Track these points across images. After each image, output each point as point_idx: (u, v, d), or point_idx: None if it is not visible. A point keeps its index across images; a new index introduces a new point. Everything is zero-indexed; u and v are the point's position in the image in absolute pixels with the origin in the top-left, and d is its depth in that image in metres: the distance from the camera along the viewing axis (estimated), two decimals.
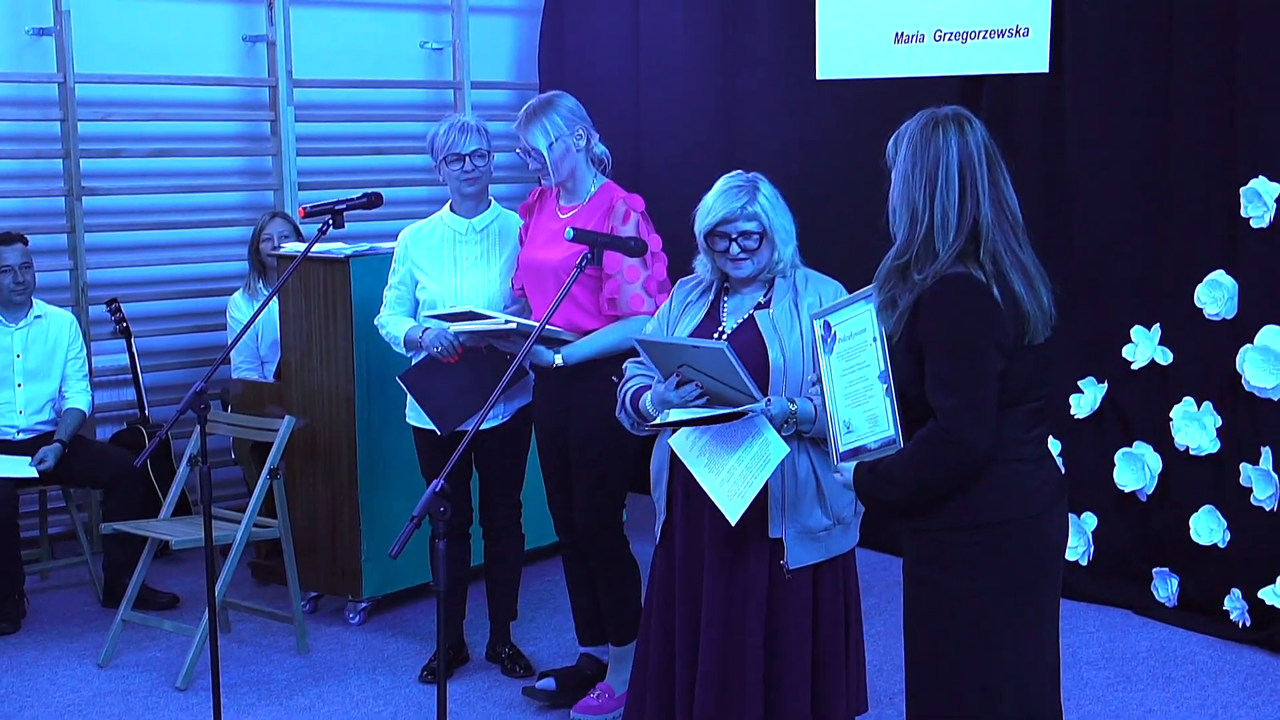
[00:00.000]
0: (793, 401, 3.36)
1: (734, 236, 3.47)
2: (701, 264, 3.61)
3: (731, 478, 3.33)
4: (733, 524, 3.35)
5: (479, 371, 4.43)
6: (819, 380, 2.97)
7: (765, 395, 3.35)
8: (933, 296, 2.75)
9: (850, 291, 3.10)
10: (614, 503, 4.31)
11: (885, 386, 2.80)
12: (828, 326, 2.96)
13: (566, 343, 4.17)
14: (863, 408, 2.85)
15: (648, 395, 3.50)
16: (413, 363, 4.57)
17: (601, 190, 4.27)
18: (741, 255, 3.48)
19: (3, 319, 5.40)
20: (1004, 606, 2.82)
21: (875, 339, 2.83)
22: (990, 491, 2.79)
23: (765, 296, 3.54)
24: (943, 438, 2.74)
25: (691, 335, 3.52)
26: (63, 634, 5.19)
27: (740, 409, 3.28)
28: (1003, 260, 2.77)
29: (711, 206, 3.49)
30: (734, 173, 3.56)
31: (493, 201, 4.66)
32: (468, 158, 4.50)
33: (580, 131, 4.21)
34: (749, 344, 3.46)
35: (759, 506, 3.42)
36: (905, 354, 2.79)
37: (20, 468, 5.22)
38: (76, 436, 5.40)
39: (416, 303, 4.62)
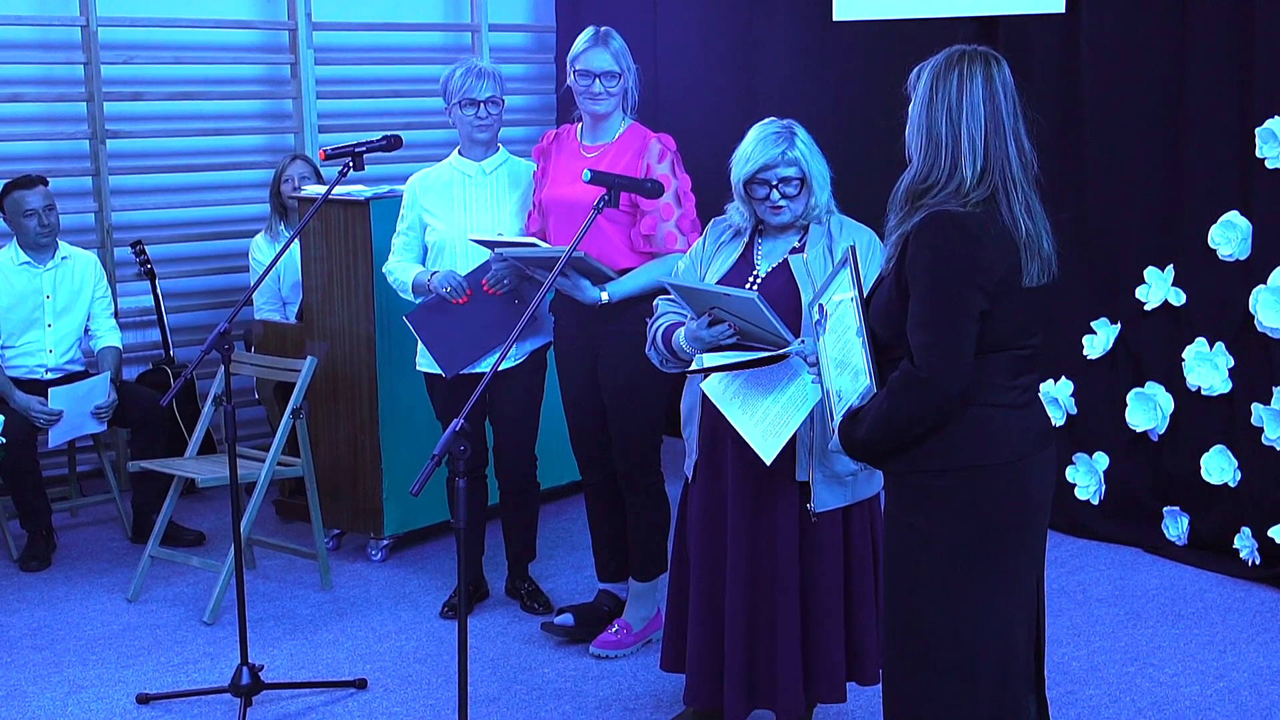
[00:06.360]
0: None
1: (774, 183, 3.43)
2: (736, 210, 3.56)
3: (767, 419, 3.31)
4: (767, 464, 3.34)
5: (486, 313, 4.44)
6: (817, 363, 2.97)
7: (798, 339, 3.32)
8: (919, 233, 2.68)
9: (883, 238, 3.09)
10: (654, 444, 4.35)
11: (862, 340, 2.76)
12: (821, 309, 2.94)
13: (610, 278, 4.14)
14: (848, 370, 2.82)
15: (680, 332, 3.47)
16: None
17: (630, 130, 4.28)
18: (781, 202, 3.45)
19: (32, 261, 5.47)
20: (978, 554, 2.73)
21: (854, 299, 2.80)
22: (965, 435, 2.71)
23: (800, 241, 3.51)
24: (914, 376, 2.66)
25: (725, 278, 3.50)
26: (92, 569, 5.29)
27: (779, 352, 3.24)
28: (1012, 195, 2.69)
29: (750, 154, 3.44)
30: (768, 120, 3.50)
31: (501, 147, 4.66)
32: (483, 104, 4.50)
33: (634, 69, 4.25)
34: (782, 288, 3.45)
35: (788, 450, 3.42)
36: (894, 289, 2.74)
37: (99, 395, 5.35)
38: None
39: (425, 249, 4.64)
